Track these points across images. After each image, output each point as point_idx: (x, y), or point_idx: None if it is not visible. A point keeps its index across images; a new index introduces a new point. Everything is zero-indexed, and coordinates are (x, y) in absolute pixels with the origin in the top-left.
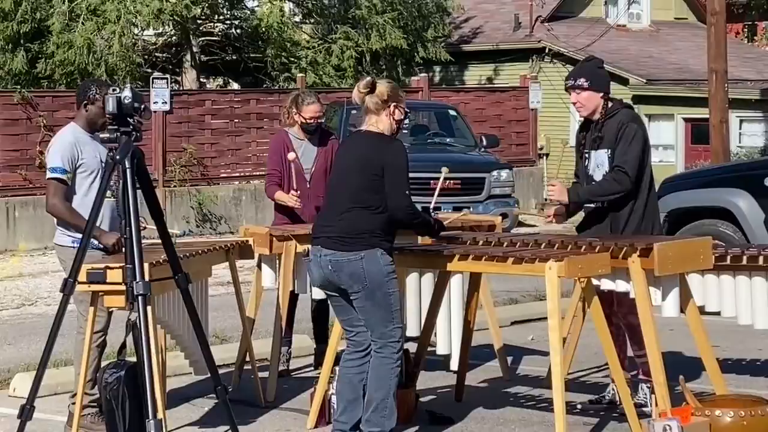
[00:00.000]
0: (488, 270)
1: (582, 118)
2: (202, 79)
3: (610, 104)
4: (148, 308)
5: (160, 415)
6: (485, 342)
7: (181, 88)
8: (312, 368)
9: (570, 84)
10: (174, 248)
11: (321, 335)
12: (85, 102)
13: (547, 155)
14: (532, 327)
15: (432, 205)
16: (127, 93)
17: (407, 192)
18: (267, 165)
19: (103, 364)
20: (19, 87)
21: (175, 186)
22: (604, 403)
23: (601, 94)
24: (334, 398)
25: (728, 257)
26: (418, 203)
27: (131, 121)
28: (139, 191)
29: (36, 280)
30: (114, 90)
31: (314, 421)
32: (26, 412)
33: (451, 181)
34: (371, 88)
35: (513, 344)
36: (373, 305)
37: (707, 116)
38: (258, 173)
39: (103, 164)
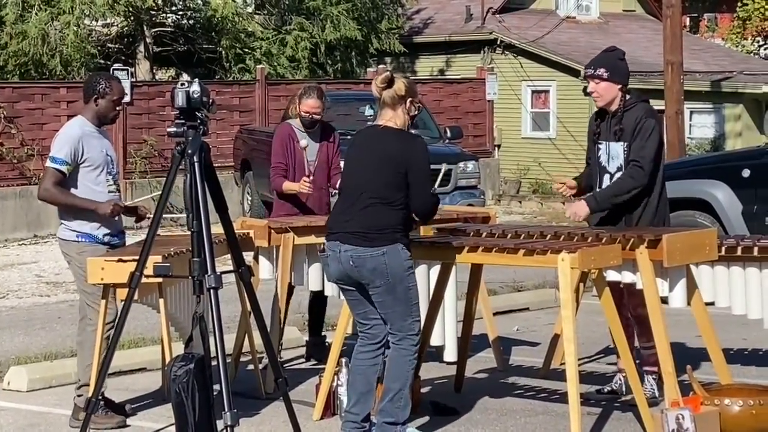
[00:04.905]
0: (498, 262)
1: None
2: (154, 70)
3: (627, 97)
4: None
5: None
6: (474, 332)
7: (135, 80)
8: (303, 360)
9: (590, 73)
10: (238, 242)
11: (315, 327)
12: (96, 96)
13: (498, 146)
14: (514, 318)
15: None
16: (195, 87)
17: (431, 189)
18: (272, 158)
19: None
20: None
21: (136, 178)
22: (605, 392)
23: (620, 86)
24: (340, 390)
25: (723, 248)
26: None
27: (199, 115)
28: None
29: (4, 273)
30: (183, 84)
31: (321, 413)
32: (92, 406)
33: None
34: (389, 83)
35: (499, 335)
36: (393, 300)
37: (657, 108)
38: (217, 165)
39: (109, 158)
